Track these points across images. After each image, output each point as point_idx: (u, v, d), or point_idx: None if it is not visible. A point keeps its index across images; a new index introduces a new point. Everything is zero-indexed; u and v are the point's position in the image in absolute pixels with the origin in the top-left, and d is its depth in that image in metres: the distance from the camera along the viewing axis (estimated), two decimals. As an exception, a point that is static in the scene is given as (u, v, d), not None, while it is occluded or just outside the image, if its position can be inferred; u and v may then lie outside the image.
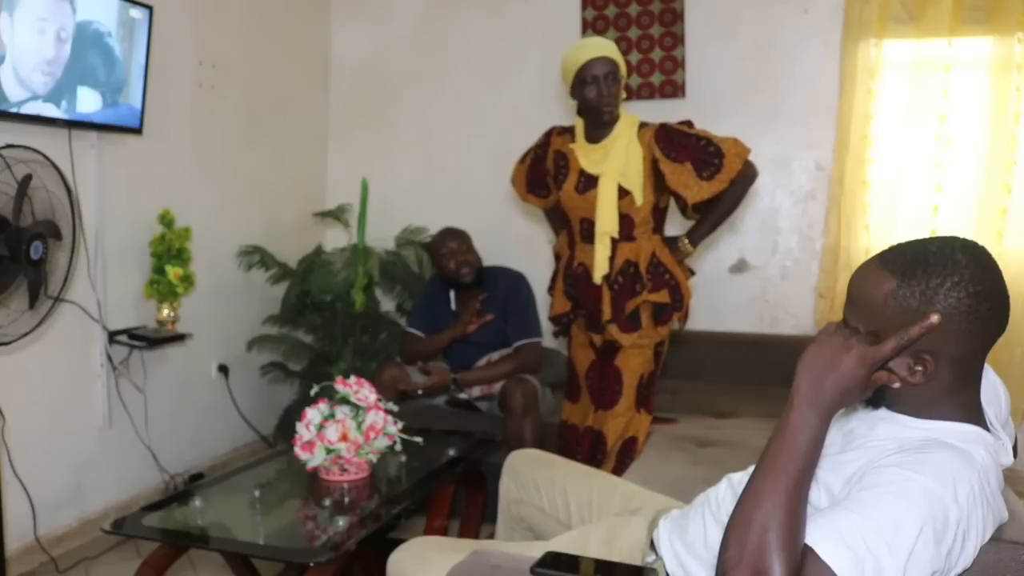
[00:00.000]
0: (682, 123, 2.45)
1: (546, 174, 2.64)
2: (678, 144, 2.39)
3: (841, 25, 3.37)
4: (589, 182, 2.46)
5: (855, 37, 3.31)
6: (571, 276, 2.59)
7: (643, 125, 2.45)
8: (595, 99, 2.39)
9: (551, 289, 2.72)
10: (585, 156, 2.48)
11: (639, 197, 2.41)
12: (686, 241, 2.52)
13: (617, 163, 2.40)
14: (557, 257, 2.72)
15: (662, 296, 2.47)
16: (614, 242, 2.45)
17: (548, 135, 2.65)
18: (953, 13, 3.16)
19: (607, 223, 2.43)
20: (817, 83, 3.46)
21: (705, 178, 2.37)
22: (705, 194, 2.38)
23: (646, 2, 3.62)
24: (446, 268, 3.14)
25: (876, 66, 3.30)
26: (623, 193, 2.41)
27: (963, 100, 3.23)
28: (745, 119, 3.56)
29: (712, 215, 2.49)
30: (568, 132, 2.58)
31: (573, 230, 2.58)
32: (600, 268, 2.46)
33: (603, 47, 2.41)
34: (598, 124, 2.45)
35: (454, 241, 3.16)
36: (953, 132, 3.24)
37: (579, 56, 2.39)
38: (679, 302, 2.50)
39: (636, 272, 2.47)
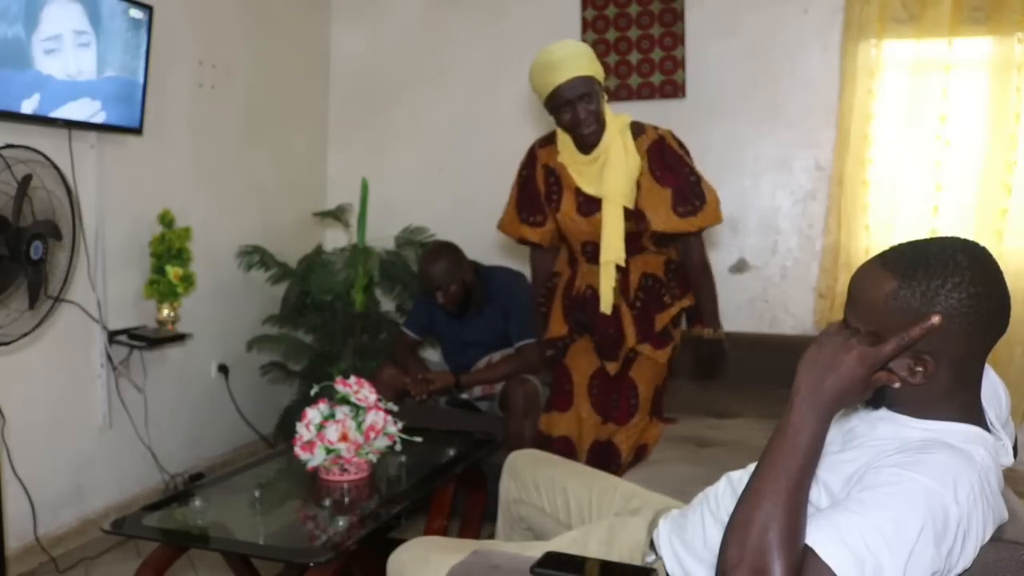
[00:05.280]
0: (681, 146, 2.34)
1: (538, 195, 2.43)
2: (667, 166, 2.27)
3: (841, 25, 3.37)
4: (591, 204, 2.31)
5: (855, 37, 3.31)
6: (577, 299, 2.45)
7: (638, 130, 2.31)
8: (571, 123, 2.23)
9: (543, 306, 2.58)
10: (579, 173, 2.32)
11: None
12: (709, 331, 2.40)
13: (618, 183, 2.25)
14: (554, 274, 2.58)
15: (690, 299, 2.43)
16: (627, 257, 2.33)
17: (531, 151, 2.46)
18: (953, 13, 3.16)
19: (613, 251, 2.28)
20: (817, 83, 3.46)
21: (679, 214, 2.26)
22: (669, 228, 2.29)
23: (646, 2, 3.62)
24: (433, 297, 3.03)
25: (876, 66, 3.30)
26: (627, 213, 2.28)
27: (963, 100, 3.22)
28: (745, 119, 3.57)
29: (705, 291, 2.43)
30: (551, 142, 2.39)
31: (575, 251, 2.45)
32: (607, 299, 2.32)
33: (572, 65, 2.17)
34: (582, 143, 2.29)
35: (437, 265, 2.94)
36: (953, 132, 3.23)
37: (548, 81, 2.19)
38: None
39: (657, 283, 2.39)
